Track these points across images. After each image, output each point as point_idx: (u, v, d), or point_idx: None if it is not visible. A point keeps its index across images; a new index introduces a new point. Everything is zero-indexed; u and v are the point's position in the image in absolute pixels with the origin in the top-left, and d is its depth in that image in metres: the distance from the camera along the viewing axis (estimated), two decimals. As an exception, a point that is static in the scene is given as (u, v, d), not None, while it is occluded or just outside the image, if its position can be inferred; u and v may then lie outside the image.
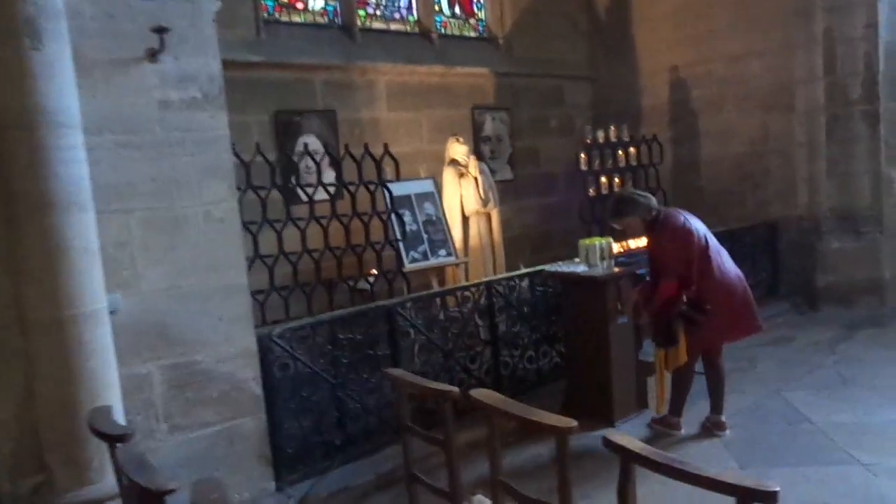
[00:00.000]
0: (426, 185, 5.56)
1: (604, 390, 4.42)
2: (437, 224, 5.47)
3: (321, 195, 5.29)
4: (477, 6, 7.75)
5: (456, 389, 2.59)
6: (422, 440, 2.78)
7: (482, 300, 4.53)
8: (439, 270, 5.86)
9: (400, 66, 6.77)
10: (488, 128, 7.59)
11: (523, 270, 4.89)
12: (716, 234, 6.38)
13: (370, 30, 6.78)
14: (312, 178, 5.92)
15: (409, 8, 7.16)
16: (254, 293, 4.80)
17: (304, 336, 3.70)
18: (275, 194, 5.14)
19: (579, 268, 4.53)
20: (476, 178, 6.18)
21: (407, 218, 5.30)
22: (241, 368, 3.26)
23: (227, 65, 5.66)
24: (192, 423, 3.12)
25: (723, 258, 3.95)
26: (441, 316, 4.33)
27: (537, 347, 4.83)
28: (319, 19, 6.48)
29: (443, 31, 7.39)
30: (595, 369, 4.44)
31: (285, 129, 6.03)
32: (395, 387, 2.96)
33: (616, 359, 4.38)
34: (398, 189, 5.20)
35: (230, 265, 3.22)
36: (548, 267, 4.67)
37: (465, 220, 6.23)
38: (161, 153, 3.02)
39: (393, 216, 5.02)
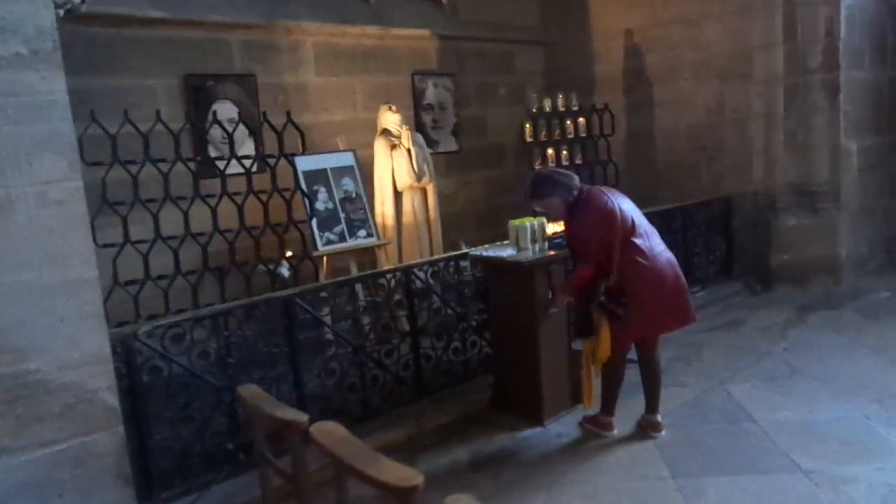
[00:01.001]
0: (345, 158, 5.04)
1: (533, 387, 4.02)
2: (356, 202, 4.97)
3: (235, 168, 4.75)
4: (419, -38, 7.15)
5: (304, 418, 2.14)
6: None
7: (399, 287, 4.07)
8: (368, 253, 5.37)
9: (330, 27, 6.19)
10: (430, 95, 7.07)
11: (448, 254, 4.44)
12: (667, 211, 6.08)
13: (297, -15, 6.18)
14: (226, 150, 5.41)
15: (343, -38, 6.54)
16: (157, 277, 4.37)
17: (180, 334, 3.21)
18: (182, 168, 4.62)
19: (507, 251, 4.09)
20: (409, 150, 5.68)
21: (321, 195, 4.79)
22: (90, 376, 2.77)
23: (125, 21, 5.17)
24: (27, 443, 2.64)
25: (652, 242, 3.55)
26: (349, 307, 3.87)
27: (464, 338, 4.40)
28: (239, -28, 5.85)
29: (380, -12, 6.79)
30: (524, 364, 4.04)
31: (196, 94, 5.46)
32: (246, 409, 2.50)
33: (546, 352, 3.99)
34: (310, 163, 4.69)
35: (73, 255, 2.72)
36: (473, 250, 4.22)
37: (398, 195, 5.75)
38: (-27, 122, 2.49)
39: (305, 193, 4.51)
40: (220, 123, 4.78)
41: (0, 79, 2.54)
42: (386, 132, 5.81)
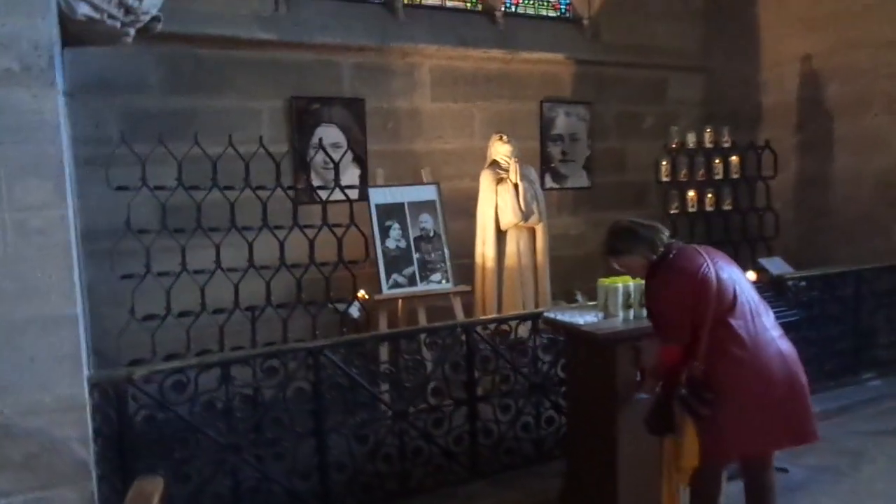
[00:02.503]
0: (426, 192, 4.54)
1: (607, 488, 3.23)
2: (433, 241, 4.45)
3: (338, 195, 4.46)
4: (560, -20, 6.56)
5: None
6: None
7: (458, 345, 3.48)
8: (443, 299, 4.74)
9: (449, 49, 5.79)
10: (560, 125, 6.41)
11: (523, 312, 3.77)
12: (836, 275, 4.88)
13: (417, 6, 5.86)
14: (326, 176, 5.17)
15: (472, -19, 6.14)
16: (214, 311, 4.16)
17: (183, 382, 2.88)
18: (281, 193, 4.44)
19: (588, 316, 3.35)
20: (516, 185, 5.07)
21: (394, 232, 4.33)
22: (59, 425, 2.50)
23: (233, 43, 5.13)
24: (-19, 492, 2.42)
25: (758, 326, 2.65)
26: (388, 366, 3.35)
27: (538, 412, 3.70)
28: (358, -7, 5.65)
29: (513, 8, 6.30)
30: (599, 457, 3.26)
31: (301, 117, 5.28)
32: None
33: (626, 448, 3.18)
34: (385, 195, 4.26)
35: (51, 290, 2.47)
36: (548, 312, 3.51)
37: (502, 235, 5.16)
38: (-45, 141, 2.33)
39: (375, 230, 4.08)
40: (324, 149, 4.42)
41: (-12, 96, 2.36)
42: (494, 164, 5.26)
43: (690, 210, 5.60)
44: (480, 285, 5.18)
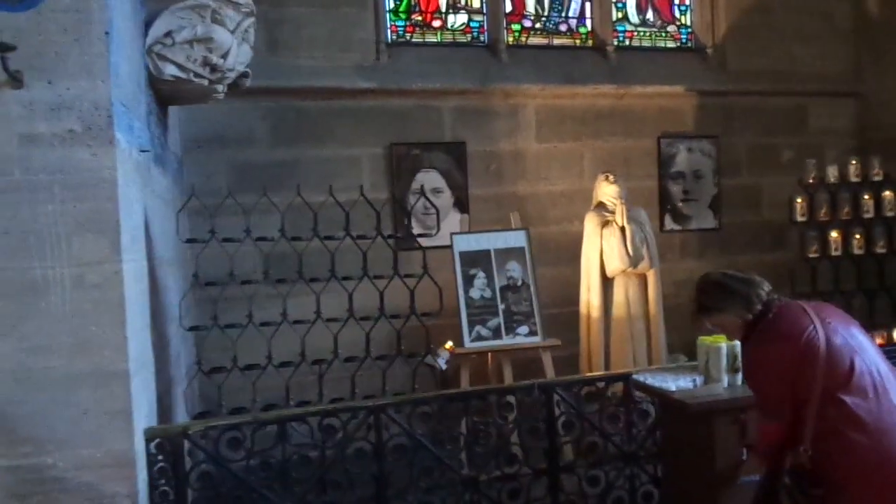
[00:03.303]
0: (514, 238, 4.25)
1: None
2: (521, 291, 4.13)
3: (443, 241, 4.37)
4: (679, 9, 6.13)
5: None
6: None
7: (541, 408, 3.16)
8: (533, 353, 4.36)
9: (556, 88, 5.55)
10: (681, 162, 5.91)
11: (610, 372, 3.38)
12: None
13: (522, 46, 5.69)
14: (427, 222, 5.09)
15: (581, 18, 5.89)
16: (313, 362, 4.09)
17: (238, 439, 2.81)
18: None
19: (683, 380, 2.91)
20: (623, 229, 4.68)
21: (479, 281, 4.09)
22: (109, 479, 2.49)
23: (335, 94, 5.22)
24: (35, 544, 2.45)
25: (883, 405, 2.11)
26: (462, 427, 3.09)
27: (633, 486, 3.27)
28: (461, 38, 5.60)
29: (627, 42, 5.96)
30: (699, 547, 2.79)
31: (401, 163, 5.25)
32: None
33: (730, 541, 2.70)
34: (469, 242, 4.04)
35: (105, 345, 2.49)
36: (637, 374, 3.10)
37: (608, 282, 4.77)
38: (19, 199, 2.43)
39: (459, 279, 3.88)
40: (425, 195, 4.30)
41: (52, 156, 2.46)
42: (600, 206, 4.91)
43: (833, 253, 4.88)
44: (586, 337, 4.81)
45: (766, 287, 2.42)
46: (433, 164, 5.31)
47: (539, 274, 5.46)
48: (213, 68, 3.50)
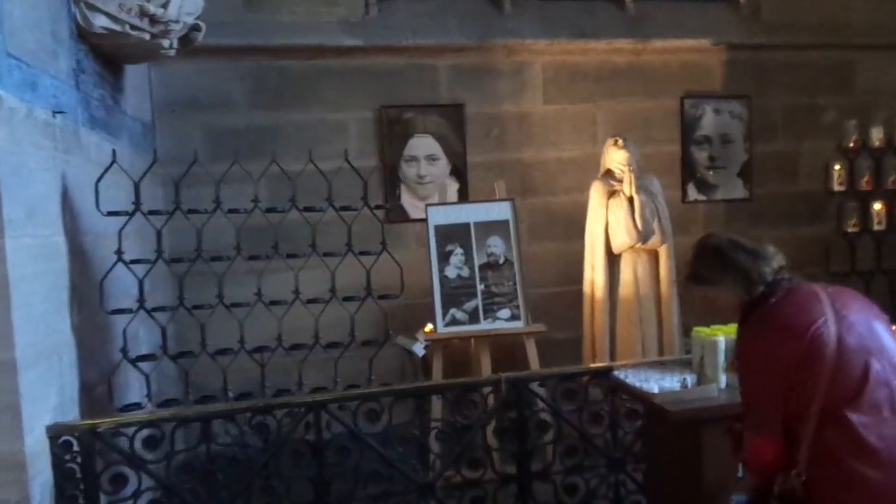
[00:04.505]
0: (498, 210, 3.77)
1: None
2: (502, 270, 3.67)
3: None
4: (710, -47, 5.47)
5: None
6: None
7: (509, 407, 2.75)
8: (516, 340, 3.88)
9: (566, 42, 5.01)
10: (707, 125, 5.33)
11: (591, 367, 2.93)
12: None
13: (529, -2, 5.16)
14: (428, 192, 4.69)
15: (597, -36, 5.30)
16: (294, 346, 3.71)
17: (156, 437, 2.49)
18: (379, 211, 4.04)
19: (671, 380, 2.46)
20: (631, 199, 4.19)
21: (455, 258, 3.65)
22: (-3, 484, 2.21)
23: (319, 52, 4.78)
24: None
25: None
26: (414, 427, 2.70)
27: (618, 496, 2.85)
28: (462, -11, 5.09)
29: (649, -8, 5.35)
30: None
31: (392, 128, 4.83)
32: None
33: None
34: (446, 215, 3.61)
35: (-14, 332, 2.19)
36: (618, 370, 2.65)
37: (614, 259, 4.29)
38: None
39: (434, 256, 3.46)
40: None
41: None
42: (608, 174, 4.41)
43: (877, 227, 4.28)
44: (589, 320, 4.36)
45: (777, 263, 1.95)
46: (428, 129, 4.87)
47: (546, 249, 5.06)
48: (153, 19, 3.13)
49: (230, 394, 2.96)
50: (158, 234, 3.03)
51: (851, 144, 4.41)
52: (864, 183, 4.38)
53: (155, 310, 2.98)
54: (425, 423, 2.75)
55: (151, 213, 3.04)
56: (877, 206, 4.32)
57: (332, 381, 3.04)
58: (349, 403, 2.62)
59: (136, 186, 2.90)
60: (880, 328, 1.82)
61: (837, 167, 4.37)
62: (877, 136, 4.40)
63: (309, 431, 2.58)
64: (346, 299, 3.12)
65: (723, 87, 5.34)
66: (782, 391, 1.75)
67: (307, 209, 3.28)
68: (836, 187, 4.39)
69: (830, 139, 5.14)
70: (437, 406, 3.09)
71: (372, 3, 4.80)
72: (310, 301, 3.20)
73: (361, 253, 3.20)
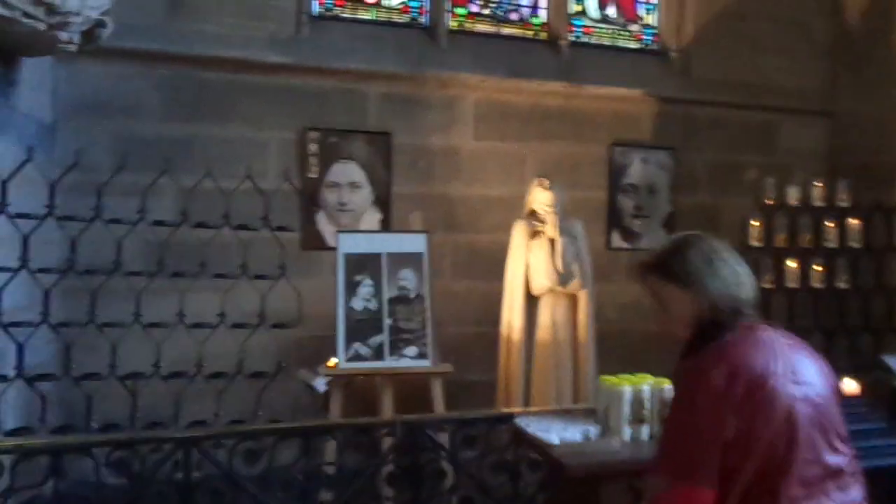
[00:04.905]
0: (412, 242, 3.63)
1: None
2: (413, 305, 3.51)
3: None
4: (646, 7, 5.59)
5: None
6: None
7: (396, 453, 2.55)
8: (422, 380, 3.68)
9: (499, 80, 4.98)
10: (635, 174, 5.35)
11: (493, 412, 2.77)
12: None
13: (466, 32, 5.12)
14: (341, 220, 4.51)
15: (535, 7, 5.33)
16: (172, 374, 3.44)
17: (-5, 469, 2.17)
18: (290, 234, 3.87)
19: (574, 430, 2.32)
20: (552, 241, 4.11)
21: (364, 289, 3.46)
22: None
23: (243, 66, 4.50)
24: None
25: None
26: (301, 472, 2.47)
27: (518, 554, 2.66)
28: (397, 18, 5.00)
29: (583, 38, 5.40)
30: None
31: (314, 151, 4.64)
32: None
33: None
34: (357, 243, 3.44)
35: None
36: (520, 417, 2.50)
37: (533, 302, 4.19)
38: None
39: (341, 286, 3.27)
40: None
41: None
42: (532, 215, 4.33)
43: (789, 285, 4.33)
44: (505, 363, 4.22)
45: (751, 294, 1.72)
46: (352, 156, 4.71)
47: (467, 287, 4.93)
48: (50, 9, 2.88)
49: (93, 424, 2.65)
50: (25, 239, 2.73)
51: (769, 201, 4.47)
52: (781, 240, 4.44)
53: (13, 325, 2.65)
54: (312, 466, 2.52)
55: (19, 216, 2.74)
56: (791, 263, 4.37)
57: (214, 416, 2.78)
58: (226, 441, 2.36)
59: (3, 185, 2.60)
60: (819, 379, 1.63)
61: (755, 223, 4.42)
62: (794, 195, 4.48)
63: (177, 471, 2.31)
64: (236, 326, 2.86)
65: (651, 138, 5.39)
66: (717, 444, 1.51)
67: (199, 225, 3.02)
68: (754, 243, 4.43)
69: (750, 196, 5.24)
70: (331, 448, 2.86)
71: (304, 21, 4.66)
72: (194, 326, 2.92)
73: (258, 277, 2.96)
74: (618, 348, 5.06)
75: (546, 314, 4.14)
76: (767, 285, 4.34)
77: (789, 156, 5.66)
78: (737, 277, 1.71)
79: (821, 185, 4.46)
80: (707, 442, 1.52)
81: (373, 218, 4.68)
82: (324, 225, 4.58)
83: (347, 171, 4.68)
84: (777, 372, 1.55)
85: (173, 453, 2.29)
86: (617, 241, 5.30)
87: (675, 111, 5.41)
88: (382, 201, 4.74)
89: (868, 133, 5.39)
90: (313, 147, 4.62)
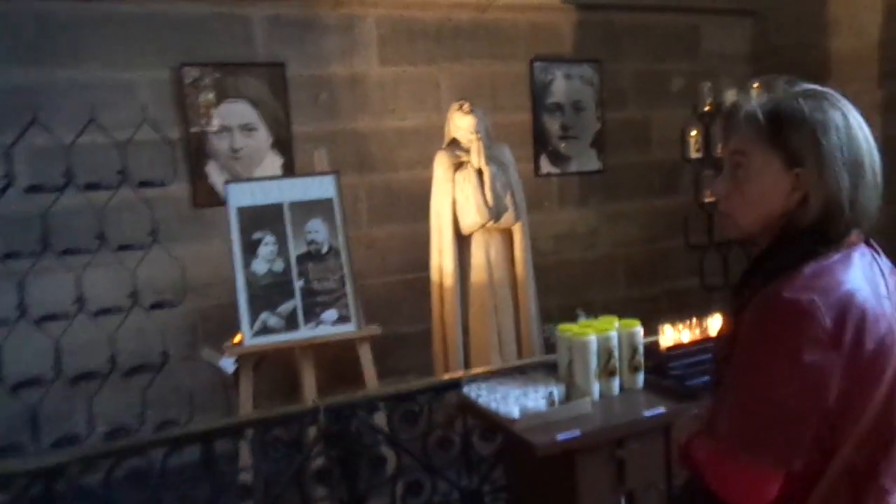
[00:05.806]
0: (318, 187, 3.07)
1: None
2: (327, 261, 2.99)
3: None
4: None
5: None
6: None
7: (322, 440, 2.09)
8: (349, 350, 3.21)
9: (403, -5, 4.38)
10: (559, 91, 4.92)
11: (431, 381, 2.33)
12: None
13: (359, -60, 4.45)
14: (235, 169, 3.92)
15: None
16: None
17: None
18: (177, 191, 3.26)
19: (535, 396, 1.91)
20: (480, 171, 3.65)
21: (265, 249, 2.92)
22: None
23: None
24: None
25: None
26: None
27: (474, 537, 2.28)
28: (277, -74, 4.27)
29: (492, -58, 4.82)
30: None
31: (195, 91, 3.96)
32: None
33: None
34: (252, 194, 2.88)
35: None
36: (469, 384, 2.07)
37: (464, 241, 3.75)
38: None
39: (236, 247, 2.72)
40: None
41: None
42: (454, 144, 3.84)
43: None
44: (438, 311, 3.79)
45: (877, 203, 1.18)
46: (241, 93, 4.05)
47: (388, 232, 4.45)
48: None
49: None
50: None
51: (706, 108, 4.13)
52: (721, 150, 4.13)
53: None
54: (218, 475, 2.03)
55: None
56: (732, 173, 4.08)
57: (87, 423, 2.23)
58: (102, 462, 1.83)
59: None
60: None
61: (694, 133, 4.09)
62: (731, 99, 4.16)
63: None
64: (102, 312, 2.28)
65: (574, 51, 4.95)
66: (821, 404, 1.06)
67: (33, 188, 2.40)
68: (693, 154, 4.11)
69: (681, 106, 4.92)
70: (245, 450, 2.37)
71: (164, -65, 3.88)
72: (44, 318, 2.32)
73: (122, 248, 2.37)
74: (556, 283, 4.77)
75: (479, 253, 3.72)
76: (710, 199, 4.06)
77: (715, 60, 5.38)
78: (875, 174, 1.17)
79: (758, 86, 4.14)
80: (800, 412, 1.07)
81: (274, 163, 4.08)
82: (216, 177, 3.94)
83: (237, 112, 4.03)
84: (888, 312, 1.11)
85: (27, 490, 1.74)
86: (546, 166, 4.90)
87: (595, 19, 4.98)
88: (282, 143, 4.13)
89: (794, 30, 5.14)
90: (192, 86, 3.93)
